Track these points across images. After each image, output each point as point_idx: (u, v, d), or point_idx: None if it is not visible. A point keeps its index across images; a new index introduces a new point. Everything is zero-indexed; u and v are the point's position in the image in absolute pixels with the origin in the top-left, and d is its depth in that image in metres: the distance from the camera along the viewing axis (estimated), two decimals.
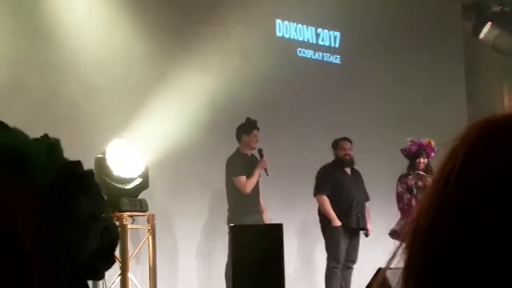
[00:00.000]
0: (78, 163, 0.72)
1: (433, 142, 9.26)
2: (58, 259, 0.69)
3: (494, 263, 0.74)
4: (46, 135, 0.72)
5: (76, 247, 0.70)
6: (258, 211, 9.55)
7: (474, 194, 0.76)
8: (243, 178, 9.38)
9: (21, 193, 0.69)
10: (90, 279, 0.74)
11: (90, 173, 0.73)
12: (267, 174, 9.50)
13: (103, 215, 0.74)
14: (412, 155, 9.40)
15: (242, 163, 9.49)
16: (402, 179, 9.37)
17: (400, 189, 9.38)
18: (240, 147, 9.66)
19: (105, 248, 0.73)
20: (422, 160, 9.32)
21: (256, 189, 9.49)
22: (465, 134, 0.80)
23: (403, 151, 9.48)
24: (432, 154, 9.27)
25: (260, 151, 9.57)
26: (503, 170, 0.75)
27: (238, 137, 9.66)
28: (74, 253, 0.70)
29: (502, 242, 0.74)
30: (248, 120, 9.63)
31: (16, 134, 0.71)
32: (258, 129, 9.62)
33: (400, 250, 0.82)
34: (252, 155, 9.66)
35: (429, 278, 0.78)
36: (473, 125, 0.80)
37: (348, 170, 10.02)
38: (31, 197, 0.69)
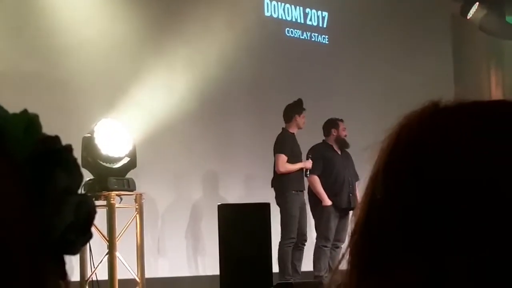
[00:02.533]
0: (55, 138, 0.73)
1: None
2: (33, 233, 0.70)
3: (428, 256, 0.75)
4: (25, 110, 0.72)
5: (50, 221, 0.71)
6: (302, 189, 9.76)
7: (397, 186, 0.79)
8: (283, 157, 9.59)
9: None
10: (66, 253, 0.74)
11: (67, 148, 0.74)
12: (307, 176, 9.67)
13: (79, 191, 0.74)
14: None
15: (289, 143, 9.71)
16: None
17: None
18: (288, 126, 9.85)
19: (80, 222, 0.73)
20: None
21: (300, 170, 9.72)
22: (392, 130, 0.83)
23: None
24: None
25: (308, 154, 9.86)
26: (420, 159, 0.78)
27: (289, 117, 9.81)
28: (49, 226, 0.71)
29: (435, 232, 0.76)
30: (300, 100, 9.79)
31: None
32: (305, 109, 9.76)
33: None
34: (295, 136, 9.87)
35: (368, 273, 0.80)
36: (398, 122, 0.83)
37: (338, 150, 10.08)
38: (9, 171, 0.70)
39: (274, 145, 9.76)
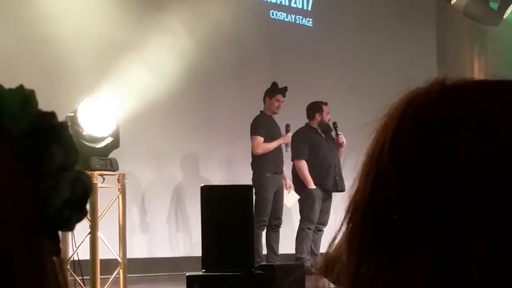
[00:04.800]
0: (52, 114, 0.73)
1: None
2: (29, 209, 0.70)
3: (436, 236, 0.75)
4: (21, 86, 0.72)
5: (46, 197, 0.71)
6: (279, 171, 9.74)
7: (407, 162, 0.78)
8: (259, 138, 9.66)
9: None
10: (61, 229, 0.74)
11: (64, 124, 0.74)
12: (287, 151, 9.68)
13: (75, 167, 0.74)
14: None
15: (264, 125, 9.70)
16: None
17: None
18: (265, 109, 9.87)
19: (76, 199, 0.73)
20: None
21: (279, 152, 9.69)
22: (393, 109, 0.82)
23: None
24: None
25: (287, 126, 9.72)
26: (434, 137, 0.77)
27: (264, 100, 9.87)
28: (45, 202, 0.71)
29: (439, 209, 0.75)
30: (273, 84, 9.81)
31: None
32: (283, 95, 9.74)
33: (340, 233, 0.84)
34: (274, 119, 9.86)
35: (370, 255, 0.79)
36: (400, 99, 0.82)
37: (322, 134, 10.09)
38: (5, 147, 0.70)
39: (250, 129, 9.78)
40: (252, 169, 9.75)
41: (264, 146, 9.63)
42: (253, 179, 9.64)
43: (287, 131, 9.79)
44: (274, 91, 9.84)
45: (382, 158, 0.80)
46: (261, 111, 9.87)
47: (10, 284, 0.67)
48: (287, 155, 9.89)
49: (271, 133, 9.72)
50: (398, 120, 0.80)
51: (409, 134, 0.79)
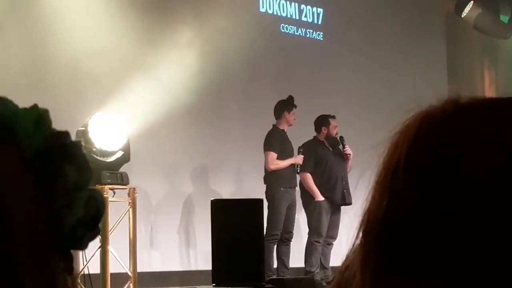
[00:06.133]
0: (65, 133, 0.73)
1: None
2: (42, 227, 0.70)
3: (451, 254, 0.75)
4: (35, 105, 0.73)
5: (59, 216, 0.71)
6: (292, 186, 9.79)
7: (423, 184, 0.77)
8: (273, 154, 9.65)
9: (9, 161, 0.70)
10: (74, 248, 0.75)
11: (77, 143, 0.74)
12: (297, 172, 9.69)
13: (88, 186, 0.75)
14: None
15: (277, 140, 9.73)
16: None
17: None
18: (278, 122, 9.88)
19: (89, 218, 0.74)
20: None
21: (292, 166, 9.73)
22: (406, 127, 0.82)
23: None
24: None
25: (299, 148, 9.86)
26: (449, 157, 0.77)
27: (279, 113, 9.86)
28: (58, 222, 0.71)
29: (457, 229, 0.75)
30: (290, 97, 9.82)
31: (4, 103, 0.72)
32: (296, 107, 9.75)
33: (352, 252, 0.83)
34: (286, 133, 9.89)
35: (386, 275, 0.78)
36: (413, 117, 0.82)
37: (329, 147, 10.09)
38: (19, 166, 0.70)
39: (264, 143, 9.79)
40: (265, 183, 9.75)
41: (277, 163, 9.64)
42: (266, 192, 9.65)
43: (299, 153, 9.80)
44: (292, 104, 9.87)
45: (397, 179, 0.79)
46: (273, 125, 9.87)
47: None
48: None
49: (284, 149, 9.72)
50: (412, 139, 0.80)
51: (424, 154, 0.79)
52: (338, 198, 9.89)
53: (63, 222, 0.71)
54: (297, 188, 9.93)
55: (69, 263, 0.75)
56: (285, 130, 9.86)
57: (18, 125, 0.71)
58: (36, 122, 0.72)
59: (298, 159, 9.74)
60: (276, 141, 9.71)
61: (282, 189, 9.63)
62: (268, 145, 9.74)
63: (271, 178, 9.67)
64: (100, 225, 0.76)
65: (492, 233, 0.74)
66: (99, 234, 0.77)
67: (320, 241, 9.88)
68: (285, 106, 9.89)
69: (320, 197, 9.80)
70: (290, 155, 9.75)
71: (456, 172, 0.76)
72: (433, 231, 0.76)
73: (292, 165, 9.72)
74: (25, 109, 0.72)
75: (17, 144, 0.70)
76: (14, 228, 0.68)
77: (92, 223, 0.74)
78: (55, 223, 0.71)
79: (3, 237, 0.67)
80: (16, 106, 0.72)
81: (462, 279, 0.74)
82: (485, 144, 0.76)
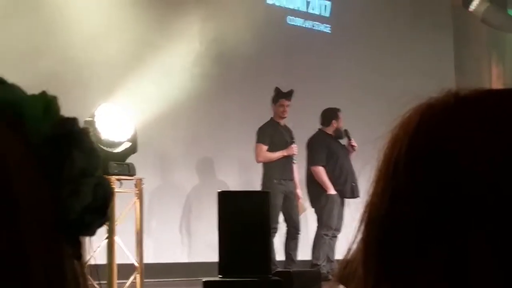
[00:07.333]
0: (73, 120, 0.74)
1: None
2: (49, 214, 0.70)
3: (451, 248, 0.75)
4: (44, 92, 0.73)
5: (67, 202, 0.71)
6: (287, 178, 9.70)
7: (424, 177, 0.78)
8: (262, 146, 9.66)
9: (17, 148, 0.70)
10: (82, 234, 0.75)
11: (85, 130, 0.74)
12: (294, 162, 9.65)
13: (97, 173, 0.75)
14: None
15: (269, 133, 9.68)
16: None
17: None
18: (273, 115, 9.84)
19: (97, 204, 0.74)
20: None
21: (287, 158, 9.67)
22: (406, 119, 0.82)
23: None
24: None
25: (291, 139, 9.74)
26: (450, 149, 0.77)
27: (272, 105, 9.85)
28: (65, 208, 0.71)
29: (454, 223, 0.75)
30: (276, 89, 9.80)
31: (13, 89, 0.72)
32: (287, 99, 9.71)
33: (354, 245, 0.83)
34: (285, 125, 9.82)
35: (389, 269, 0.78)
36: (413, 110, 0.82)
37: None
38: (26, 152, 0.70)
39: (256, 135, 9.77)
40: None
41: (265, 155, 9.63)
42: (262, 185, 9.66)
43: (290, 143, 9.75)
44: (277, 96, 9.82)
45: (398, 172, 0.79)
46: (271, 117, 9.87)
47: (29, 286, 0.67)
48: (297, 162, 9.84)
49: (275, 142, 9.69)
50: (413, 132, 0.80)
51: (425, 146, 0.79)
52: (348, 191, 9.89)
53: (71, 208, 0.72)
54: (296, 181, 9.86)
55: (77, 249, 0.75)
56: (280, 123, 9.81)
57: (26, 111, 0.71)
58: (44, 108, 0.72)
59: (290, 150, 9.70)
60: (266, 134, 9.70)
61: (275, 181, 9.60)
62: (258, 137, 9.75)
63: (265, 170, 9.71)
64: (108, 212, 0.76)
65: (491, 226, 0.74)
66: (108, 221, 0.77)
67: (329, 234, 9.88)
68: (272, 99, 9.91)
69: (332, 191, 9.80)
70: (283, 147, 9.70)
71: (457, 164, 0.76)
72: (431, 225, 0.76)
73: (286, 157, 9.67)
74: (33, 96, 0.72)
75: (26, 130, 0.70)
76: (22, 215, 0.68)
77: (100, 209, 0.74)
78: (63, 209, 0.71)
79: (11, 224, 0.68)
80: (24, 93, 0.72)
81: (455, 275, 0.74)
82: (486, 135, 0.76)
